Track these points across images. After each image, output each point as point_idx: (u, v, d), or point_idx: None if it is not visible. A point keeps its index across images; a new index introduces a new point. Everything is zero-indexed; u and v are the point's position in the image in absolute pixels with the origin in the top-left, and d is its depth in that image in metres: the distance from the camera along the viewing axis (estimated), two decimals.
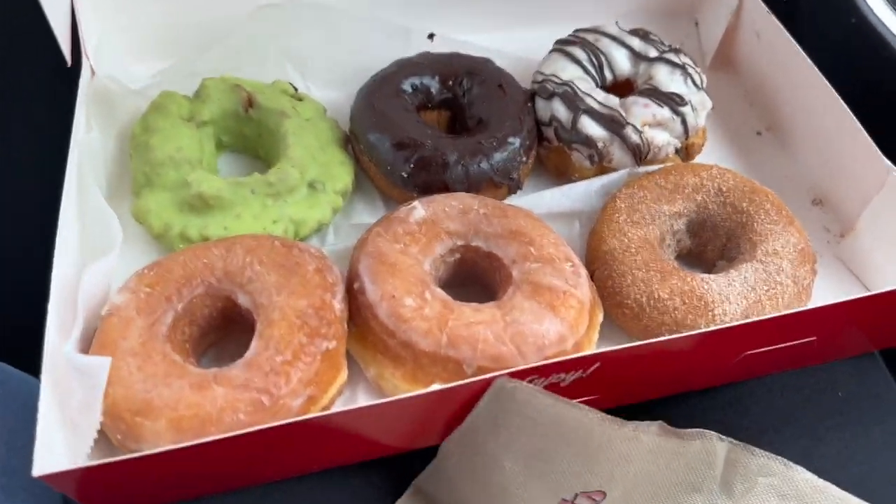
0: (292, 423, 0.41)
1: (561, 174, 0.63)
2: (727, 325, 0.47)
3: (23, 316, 0.52)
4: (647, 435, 0.44)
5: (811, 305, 0.54)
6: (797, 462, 0.43)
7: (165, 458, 0.41)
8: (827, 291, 0.57)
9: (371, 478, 0.49)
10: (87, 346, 0.47)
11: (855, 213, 0.59)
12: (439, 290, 0.50)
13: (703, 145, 0.64)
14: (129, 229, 0.56)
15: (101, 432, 0.44)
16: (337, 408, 0.49)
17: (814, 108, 0.63)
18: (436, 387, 0.43)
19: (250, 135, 0.62)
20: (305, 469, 0.48)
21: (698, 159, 0.65)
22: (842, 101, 0.59)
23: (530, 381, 0.44)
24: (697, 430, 0.44)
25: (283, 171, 0.56)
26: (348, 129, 0.62)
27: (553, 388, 0.45)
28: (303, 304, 0.47)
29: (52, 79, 0.58)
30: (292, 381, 0.45)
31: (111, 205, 0.56)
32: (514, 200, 0.60)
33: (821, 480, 0.43)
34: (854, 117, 0.58)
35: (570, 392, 0.46)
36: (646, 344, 0.45)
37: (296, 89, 0.64)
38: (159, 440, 0.42)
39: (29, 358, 0.50)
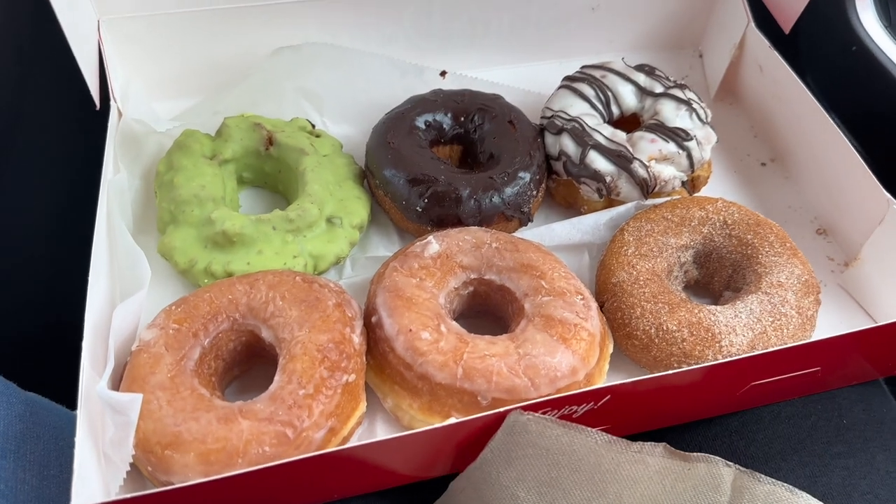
0: (315, 456, 0.43)
1: (570, 206, 0.65)
2: (734, 357, 0.48)
3: (53, 349, 0.55)
4: (653, 457, 0.45)
5: (816, 335, 0.55)
6: (803, 489, 0.44)
7: (194, 491, 0.42)
8: (832, 320, 0.59)
9: None
10: (118, 380, 0.49)
11: (858, 243, 0.61)
12: (454, 323, 0.52)
13: (708, 177, 0.66)
14: (155, 265, 0.58)
15: (133, 464, 0.46)
16: (356, 438, 0.51)
17: (816, 140, 0.65)
18: (452, 420, 0.44)
19: (270, 171, 0.64)
20: (326, 498, 0.50)
21: (704, 191, 0.66)
22: (842, 135, 0.61)
23: (543, 413, 0.46)
24: (701, 453, 0.45)
25: (303, 208, 0.58)
26: (364, 164, 0.64)
27: (565, 419, 0.47)
28: (324, 338, 0.49)
29: (82, 121, 0.61)
30: (314, 414, 0.47)
31: (137, 241, 0.58)
32: (526, 233, 0.62)
33: None
34: (854, 151, 0.60)
35: (581, 422, 0.48)
36: (655, 377, 0.46)
37: (313, 126, 0.66)
38: (188, 472, 0.44)
39: (59, 389, 0.52)
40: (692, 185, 0.65)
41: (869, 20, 0.70)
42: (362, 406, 0.50)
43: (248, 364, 0.53)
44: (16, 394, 0.51)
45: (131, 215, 0.60)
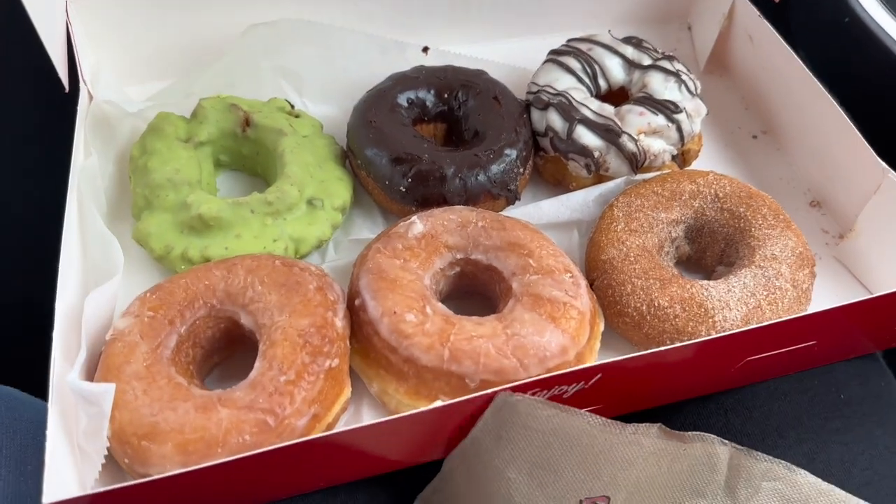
0: (298, 443, 0.41)
1: (558, 183, 0.64)
2: (727, 332, 0.47)
3: (29, 340, 0.53)
4: (648, 438, 0.44)
5: (811, 308, 0.54)
6: (801, 466, 0.43)
7: (173, 482, 0.41)
8: (827, 293, 0.58)
9: (377, 493, 0.49)
10: (92, 370, 0.47)
11: (853, 215, 0.60)
12: (440, 305, 0.50)
13: (699, 151, 0.65)
14: (131, 252, 0.56)
15: (109, 456, 0.44)
16: (341, 424, 0.49)
17: (808, 110, 0.64)
18: (438, 403, 0.43)
19: (248, 153, 0.62)
20: (312, 486, 0.49)
21: (695, 165, 0.65)
22: (835, 104, 0.60)
23: (533, 393, 0.45)
24: (697, 433, 0.44)
25: (282, 190, 0.56)
26: (345, 144, 0.63)
27: (556, 400, 0.46)
28: (305, 322, 0.47)
29: (50, 104, 0.58)
30: (296, 401, 0.45)
31: (112, 228, 0.56)
32: (513, 211, 0.60)
33: (825, 483, 0.43)
34: (848, 119, 0.58)
35: (572, 403, 0.46)
36: (646, 354, 0.45)
37: (292, 106, 0.64)
38: (166, 464, 0.43)
39: (37, 382, 0.50)
40: (682, 158, 0.64)
41: None
42: (347, 391, 0.49)
43: (228, 351, 0.52)
44: None
45: (105, 201, 0.58)
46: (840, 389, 0.54)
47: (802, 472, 0.43)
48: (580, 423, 0.44)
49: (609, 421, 0.44)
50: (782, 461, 0.43)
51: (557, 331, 0.49)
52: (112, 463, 0.45)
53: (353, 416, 0.51)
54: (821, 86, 0.61)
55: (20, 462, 0.48)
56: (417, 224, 0.54)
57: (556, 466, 0.44)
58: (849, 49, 0.69)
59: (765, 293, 0.51)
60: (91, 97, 0.60)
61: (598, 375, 0.45)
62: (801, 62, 0.63)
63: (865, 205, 0.58)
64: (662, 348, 0.45)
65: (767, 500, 0.43)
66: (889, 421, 0.53)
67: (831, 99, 0.60)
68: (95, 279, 0.51)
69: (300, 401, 0.45)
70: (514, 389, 0.44)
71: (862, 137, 0.57)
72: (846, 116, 0.59)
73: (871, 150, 0.56)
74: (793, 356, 0.51)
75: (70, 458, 0.43)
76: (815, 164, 0.65)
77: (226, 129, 0.61)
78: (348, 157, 0.62)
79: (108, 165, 0.60)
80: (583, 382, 0.45)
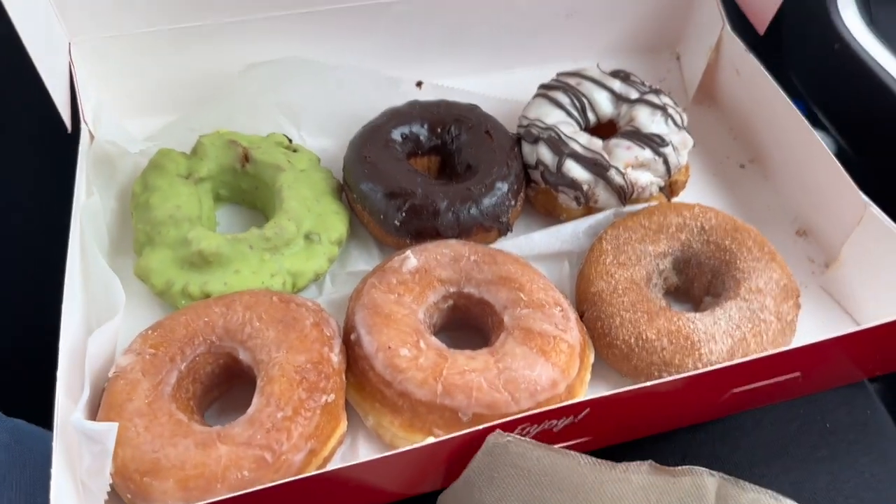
0: (295, 480, 0.43)
1: (549, 214, 0.65)
2: (714, 367, 0.48)
3: (37, 373, 0.54)
4: (638, 475, 0.45)
5: (797, 338, 0.55)
6: (787, 495, 0.44)
7: None
8: (814, 322, 0.59)
9: None
10: (95, 406, 0.48)
11: (838, 244, 0.61)
12: (434, 339, 0.52)
13: (686, 181, 0.66)
14: (133, 287, 0.58)
15: (113, 492, 0.46)
16: (338, 457, 0.51)
17: (793, 142, 0.65)
18: (431, 440, 0.44)
19: (247, 188, 0.63)
20: None
21: (684, 193, 0.66)
22: (817, 136, 0.61)
23: (523, 428, 0.46)
24: (687, 466, 0.45)
25: (280, 226, 0.57)
26: (342, 178, 0.64)
27: (546, 433, 0.47)
28: (301, 359, 0.49)
29: (52, 145, 0.60)
30: (293, 437, 0.46)
31: (114, 263, 0.58)
32: (505, 242, 0.61)
33: None
34: (829, 153, 0.60)
35: (562, 436, 0.48)
36: (633, 389, 0.46)
37: (290, 140, 0.66)
38: (168, 499, 0.44)
39: (45, 411, 0.51)
40: (670, 189, 0.65)
41: (850, 18, 0.70)
42: (343, 425, 0.50)
43: (227, 385, 0.53)
44: (0, 422, 0.50)
45: (107, 238, 0.59)
46: (826, 417, 0.55)
47: (789, 501, 0.44)
48: (570, 462, 0.45)
49: (599, 460, 0.45)
50: (769, 490, 0.44)
51: (548, 364, 0.50)
52: (116, 499, 0.47)
53: (350, 449, 0.52)
54: (803, 118, 0.63)
55: (30, 496, 0.50)
56: (411, 259, 0.55)
57: None
58: (839, 75, 0.71)
59: (749, 325, 0.52)
60: (92, 137, 0.61)
61: (587, 410, 0.46)
62: (784, 95, 0.65)
63: (849, 236, 0.59)
64: (649, 383, 0.46)
65: None
66: (875, 449, 0.54)
67: (812, 131, 0.62)
68: (97, 316, 0.53)
69: (297, 436, 0.46)
70: (505, 427, 0.45)
71: (843, 171, 0.59)
72: (827, 149, 0.60)
73: (853, 184, 0.58)
74: (778, 387, 0.52)
75: (74, 495, 0.44)
76: (801, 194, 0.66)
77: (225, 165, 0.63)
78: (344, 191, 0.64)
79: (110, 201, 0.61)
80: (572, 417, 0.46)
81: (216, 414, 0.53)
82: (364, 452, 0.51)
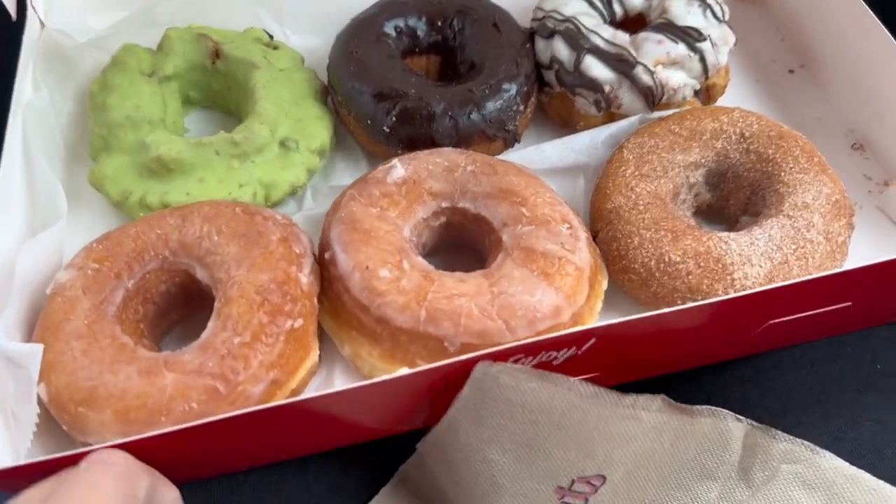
0: (249, 412, 0.37)
1: (565, 123, 0.57)
2: (747, 291, 0.41)
3: None
4: (649, 412, 0.38)
5: (847, 265, 0.47)
6: (827, 447, 0.38)
7: None
8: (867, 247, 0.51)
9: (351, 466, 0.45)
10: (32, 328, 0.43)
11: None
12: (419, 259, 0.45)
13: (725, 86, 0.57)
14: (89, 198, 0.52)
15: (53, 421, 0.40)
16: (310, 390, 0.45)
17: (854, 41, 0.56)
18: (405, 371, 0.37)
19: (219, 89, 0.56)
20: (275, 458, 0.44)
21: (720, 102, 0.58)
22: (887, 32, 0.52)
23: (517, 360, 0.39)
24: (707, 406, 0.38)
25: (251, 130, 0.50)
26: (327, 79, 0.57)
27: (544, 367, 0.40)
28: (264, 278, 0.42)
29: None
30: (252, 366, 0.40)
31: (71, 172, 0.52)
32: (511, 155, 0.54)
33: (852, 468, 0.38)
34: None
35: (564, 371, 0.41)
36: (650, 316, 0.39)
37: (270, 37, 0.58)
38: (105, 432, 0.39)
39: None
40: (707, 94, 0.57)
41: None
42: (313, 355, 0.44)
43: (187, 308, 0.47)
44: None
45: (61, 143, 0.53)
46: (876, 358, 0.48)
47: (827, 454, 0.38)
48: (570, 396, 0.38)
49: (604, 391, 0.38)
50: (805, 441, 0.38)
51: (550, 289, 0.43)
52: (57, 429, 0.41)
53: (325, 382, 0.46)
54: (870, 11, 0.53)
55: None
56: (398, 168, 0.48)
57: (543, 445, 0.38)
58: None
59: (793, 247, 0.44)
60: (43, 25, 0.54)
61: (592, 340, 0.39)
62: None
63: None
64: (669, 310, 0.39)
65: (786, 485, 0.38)
66: None
67: (882, 27, 0.52)
68: (43, 228, 0.47)
69: (256, 365, 0.40)
70: (495, 356, 0.38)
71: None
72: None
73: None
74: (823, 319, 0.44)
75: (3, 425, 0.39)
76: (858, 102, 0.57)
77: (194, 62, 0.55)
78: (330, 94, 0.56)
79: (66, 102, 0.55)
80: (574, 348, 0.39)
81: (175, 341, 0.47)
82: (340, 386, 0.45)
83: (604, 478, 0.38)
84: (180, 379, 0.39)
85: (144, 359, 0.40)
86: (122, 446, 0.36)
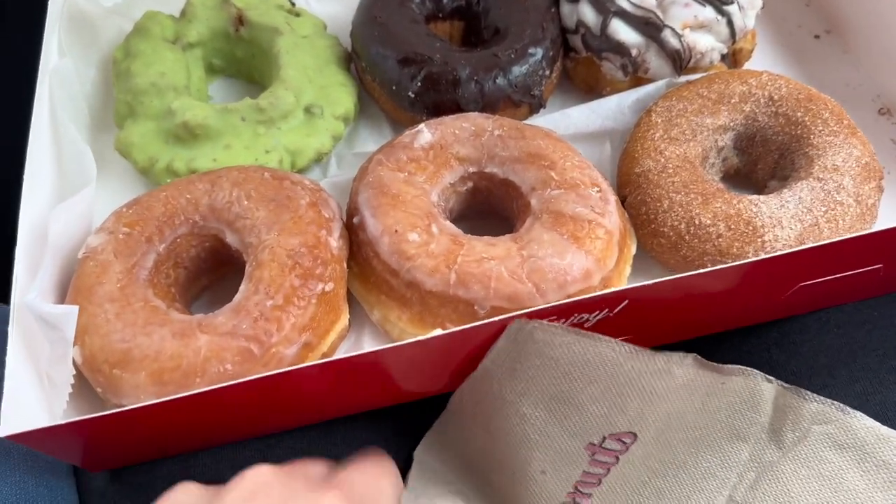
0: (282, 373, 0.37)
1: (591, 89, 0.57)
2: (778, 252, 0.41)
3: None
4: (681, 367, 0.38)
5: (876, 227, 0.47)
6: (855, 409, 0.37)
7: (147, 414, 0.37)
8: (895, 212, 0.50)
9: (378, 428, 0.45)
10: (64, 291, 0.43)
11: None
12: (448, 224, 0.45)
13: (752, 51, 0.57)
14: (116, 165, 0.52)
15: (87, 384, 0.41)
16: (340, 354, 0.45)
17: (881, 4, 0.55)
18: (438, 332, 0.38)
19: (243, 57, 0.56)
20: (307, 420, 0.45)
21: (747, 66, 0.57)
22: None
23: (550, 322, 0.39)
24: (738, 366, 0.38)
25: (276, 95, 0.50)
26: (350, 46, 0.56)
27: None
28: (295, 242, 0.42)
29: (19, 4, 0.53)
30: (285, 328, 0.40)
31: (96, 138, 0.52)
32: (537, 121, 0.53)
33: (885, 428, 0.37)
34: None
35: (597, 332, 0.41)
36: (681, 278, 0.39)
37: (292, 3, 0.58)
38: (140, 394, 0.39)
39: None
40: (733, 59, 0.56)
41: None
42: (344, 319, 0.44)
43: (218, 272, 0.47)
44: None
45: (86, 108, 0.53)
46: None
47: (859, 414, 0.38)
48: (604, 350, 0.38)
49: (637, 349, 0.38)
50: (835, 402, 0.38)
51: (580, 252, 0.43)
52: (91, 392, 0.42)
53: (354, 346, 0.46)
54: None
55: None
56: (425, 132, 0.48)
57: (576, 399, 0.39)
58: None
59: (823, 209, 0.44)
60: None
61: (625, 302, 0.39)
62: None
63: None
64: (701, 271, 0.39)
65: (817, 445, 0.38)
66: None
67: None
68: (71, 193, 0.47)
69: (289, 327, 0.41)
70: (529, 317, 0.38)
71: None
72: None
73: None
74: (853, 282, 0.44)
75: (38, 386, 0.40)
76: (887, 67, 0.56)
77: (217, 29, 0.55)
78: (353, 61, 0.56)
79: (90, 70, 0.55)
80: (607, 310, 0.39)
81: (205, 305, 0.48)
82: (369, 349, 0.45)
83: (635, 435, 0.38)
84: (214, 340, 0.39)
85: (178, 321, 0.41)
86: (156, 407, 0.37)
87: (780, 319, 0.48)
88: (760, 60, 0.59)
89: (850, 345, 0.47)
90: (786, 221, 0.44)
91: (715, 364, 0.39)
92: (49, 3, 0.52)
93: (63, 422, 0.36)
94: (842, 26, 0.61)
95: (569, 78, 0.57)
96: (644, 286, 0.38)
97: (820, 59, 0.60)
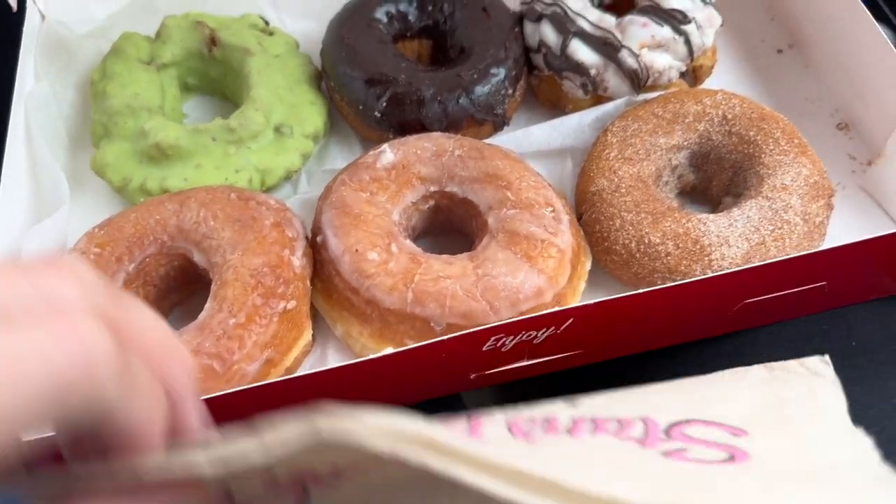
0: (241, 390, 0.39)
1: (555, 106, 0.58)
2: (722, 272, 0.42)
3: None
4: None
5: (827, 244, 0.48)
6: None
7: None
8: (850, 226, 0.51)
9: None
10: None
11: (883, 138, 0.53)
12: (408, 243, 0.47)
13: (712, 67, 0.58)
14: (93, 185, 0.53)
15: None
16: (304, 368, 0.47)
17: (840, 21, 0.56)
18: (389, 350, 0.39)
19: (216, 76, 0.58)
20: None
21: (709, 82, 0.58)
22: (869, 15, 0.52)
23: (498, 339, 0.41)
24: None
25: (246, 116, 0.52)
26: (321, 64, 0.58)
27: (526, 345, 0.42)
28: (258, 262, 0.44)
29: None
30: (247, 345, 0.42)
31: (74, 159, 0.53)
32: (501, 138, 0.55)
33: None
34: (883, 34, 0.51)
35: (545, 348, 0.42)
36: (627, 297, 0.40)
37: (266, 22, 0.59)
38: None
39: None
40: (694, 75, 0.57)
41: None
42: (307, 334, 0.46)
43: (187, 290, 0.49)
44: None
45: (64, 130, 0.55)
46: (852, 334, 0.49)
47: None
48: None
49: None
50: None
51: (533, 271, 0.44)
52: None
53: (319, 361, 0.48)
54: None
55: None
56: (388, 153, 0.49)
57: None
58: None
59: (770, 228, 0.46)
60: (43, 17, 0.55)
61: (570, 320, 0.41)
62: None
63: None
64: (645, 290, 0.41)
65: None
66: None
67: (865, 9, 0.53)
68: (46, 216, 0.49)
69: (251, 345, 0.42)
70: (478, 336, 0.40)
71: None
72: (880, 29, 0.51)
73: None
74: (799, 298, 0.46)
75: None
76: (844, 83, 0.57)
77: (191, 49, 0.57)
78: (324, 80, 0.58)
79: (68, 91, 0.56)
80: (553, 327, 0.41)
81: (176, 321, 0.49)
82: (334, 364, 0.47)
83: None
84: None
85: None
86: None
87: (732, 333, 0.49)
88: (723, 76, 0.60)
89: (800, 358, 0.49)
90: (733, 240, 0.45)
91: None
92: (24, 27, 0.53)
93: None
94: (804, 41, 0.62)
95: (534, 95, 0.59)
96: (587, 305, 0.40)
97: (782, 74, 0.61)
